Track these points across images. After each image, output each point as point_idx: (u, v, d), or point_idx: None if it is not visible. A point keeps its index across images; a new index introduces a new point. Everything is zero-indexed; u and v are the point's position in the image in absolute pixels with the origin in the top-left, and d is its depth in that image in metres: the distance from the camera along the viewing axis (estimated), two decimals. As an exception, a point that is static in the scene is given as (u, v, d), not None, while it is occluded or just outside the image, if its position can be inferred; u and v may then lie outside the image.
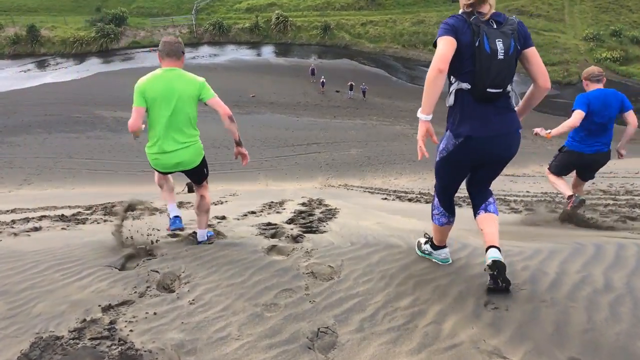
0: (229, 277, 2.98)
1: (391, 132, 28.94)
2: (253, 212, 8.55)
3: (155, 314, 2.51)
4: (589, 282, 2.84)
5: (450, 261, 3.12)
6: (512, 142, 2.59)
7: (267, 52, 42.92)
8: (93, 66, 38.85)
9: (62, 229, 5.28)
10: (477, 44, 2.32)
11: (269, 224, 5.37)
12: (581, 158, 4.92)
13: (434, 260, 3.15)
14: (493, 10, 2.37)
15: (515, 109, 2.68)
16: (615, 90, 4.77)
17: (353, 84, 33.12)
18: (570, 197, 4.86)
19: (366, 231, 4.31)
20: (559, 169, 5.18)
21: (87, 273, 3.04)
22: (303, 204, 9.99)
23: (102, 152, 25.58)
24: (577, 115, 4.52)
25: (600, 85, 4.85)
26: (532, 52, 2.52)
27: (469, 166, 2.68)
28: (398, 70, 38.85)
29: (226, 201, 11.97)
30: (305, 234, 4.26)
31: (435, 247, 3.11)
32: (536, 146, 27.65)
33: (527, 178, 21.27)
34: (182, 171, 3.55)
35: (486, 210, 2.72)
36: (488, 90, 2.42)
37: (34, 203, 13.21)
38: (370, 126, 29.70)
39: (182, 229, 3.67)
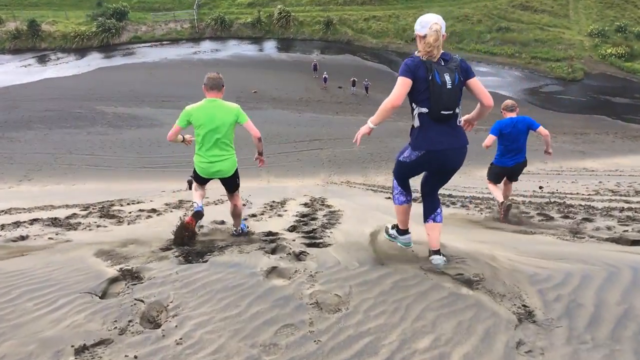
0: (223, 308, 2.62)
1: (394, 129, 28.47)
2: (254, 215, 8.21)
3: (135, 357, 2.16)
4: (632, 316, 2.48)
5: (412, 245, 3.58)
6: (461, 154, 3.15)
7: (269, 48, 42.41)
8: (94, 61, 38.42)
9: (50, 238, 4.92)
10: (430, 77, 2.93)
11: (270, 233, 5.01)
12: (505, 169, 6.33)
13: (398, 244, 3.62)
14: (441, 51, 2.97)
15: (465, 117, 3.31)
16: (524, 116, 6.08)
17: (356, 80, 32.64)
18: (501, 203, 6.13)
19: (373, 244, 3.94)
20: (493, 179, 6.50)
21: (64, 302, 2.68)
22: (305, 204, 9.65)
23: (103, 148, 25.24)
24: (489, 139, 5.89)
25: (513, 114, 6.14)
26: (474, 82, 3.08)
27: (424, 170, 3.30)
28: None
29: (227, 200, 11.62)
30: (308, 249, 3.89)
31: (400, 232, 3.59)
32: (540, 143, 27.07)
33: (531, 176, 20.88)
34: (219, 178, 4.32)
35: (434, 220, 3.34)
36: (442, 112, 2.99)
37: (32, 201, 12.89)
38: (372, 123, 29.22)
39: (200, 212, 4.15)
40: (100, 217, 7.87)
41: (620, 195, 10.68)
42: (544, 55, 39.06)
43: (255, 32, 44.08)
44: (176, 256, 3.57)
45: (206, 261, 3.45)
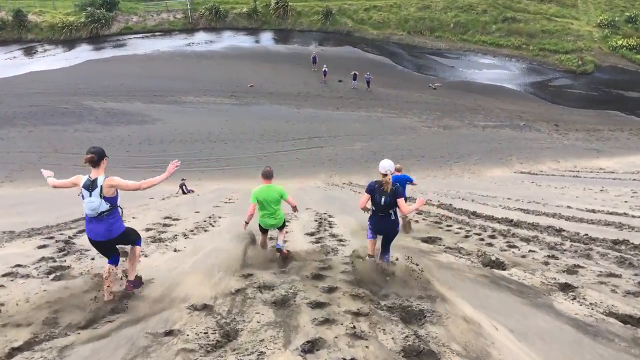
0: None
1: (397, 125, 27.43)
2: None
3: None
4: None
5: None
6: (394, 230, 5.46)
7: (266, 39, 41.14)
8: (83, 53, 37.08)
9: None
10: (375, 196, 5.23)
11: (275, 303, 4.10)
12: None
13: None
14: (389, 178, 5.16)
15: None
16: (404, 174, 8.46)
17: (357, 73, 31.48)
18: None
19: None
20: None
21: None
22: (312, 234, 8.51)
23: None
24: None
25: (397, 173, 7.81)
26: (400, 201, 5.20)
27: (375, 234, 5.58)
28: (403, 58, 37.14)
29: (218, 218, 10.58)
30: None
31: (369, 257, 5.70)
32: (551, 140, 26.19)
33: (539, 177, 19.88)
34: (274, 227, 6.38)
35: (382, 259, 5.53)
36: (379, 214, 5.30)
37: (6, 213, 11.92)
38: (375, 119, 28.18)
39: (280, 249, 6.12)
40: (59, 251, 6.63)
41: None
42: (552, 47, 37.92)
43: (251, 22, 42.76)
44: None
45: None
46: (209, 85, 31.40)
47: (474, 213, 10.01)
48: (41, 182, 21.09)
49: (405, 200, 6.33)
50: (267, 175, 6.11)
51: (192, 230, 8.32)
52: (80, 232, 8.29)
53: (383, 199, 5.05)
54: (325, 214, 10.54)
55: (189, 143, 24.70)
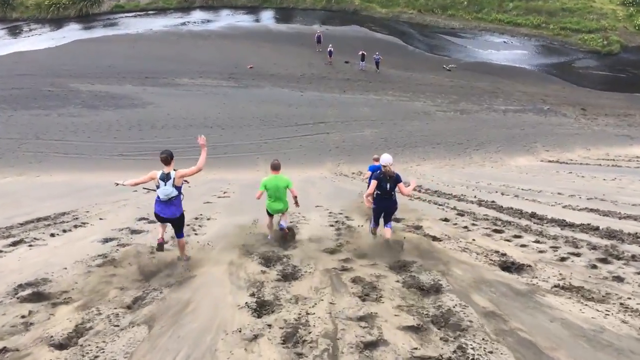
0: None
1: (410, 109, 25.46)
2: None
3: None
4: None
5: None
6: (394, 207, 6.56)
7: (267, 18, 39.03)
8: (70, 32, 35.00)
9: None
10: (381, 182, 6.27)
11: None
12: (379, 209, 6.91)
13: None
14: (390, 168, 6.20)
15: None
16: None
17: (364, 53, 29.38)
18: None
19: None
20: (375, 218, 7.13)
21: None
22: (332, 251, 7.01)
23: (75, 132, 22.28)
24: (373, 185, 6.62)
25: (376, 163, 8.91)
26: (400, 186, 6.28)
27: (380, 212, 6.68)
28: (414, 38, 34.94)
29: (207, 220, 8.79)
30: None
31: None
32: (579, 126, 24.19)
33: (572, 166, 17.96)
34: (280, 212, 7.15)
35: (385, 226, 6.62)
36: (384, 196, 6.36)
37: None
38: (385, 102, 26.19)
39: (283, 228, 7.03)
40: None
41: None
42: (574, 26, 35.64)
43: (251, 0, 40.53)
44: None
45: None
46: (206, 66, 29.39)
47: (534, 215, 8.22)
48: (19, 171, 19.43)
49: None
50: (276, 167, 6.89)
51: (167, 242, 6.48)
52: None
53: (388, 185, 6.18)
54: (341, 214, 8.72)
55: (182, 128, 22.83)
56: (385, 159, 6.20)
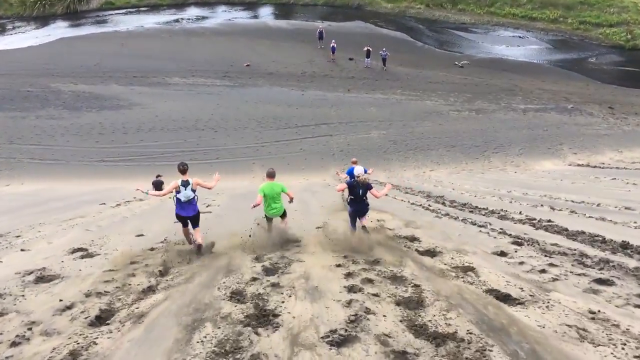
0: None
1: (421, 109, 23.70)
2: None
3: None
4: None
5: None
6: (366, 209, 7.37)
7: (265, 14, 37.53)
8: (56, 30, 33.52)
9: None
10: (355, 189, 7.21)
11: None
12: (355, 212, 7.65)
13: None
14: (362, 178, 7.20)
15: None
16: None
17: (370, 49, 27.67)
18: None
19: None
20: (351, 221, 7.82)
21: None
22: (339, 341, 4.60)
23: (54, 136, 20.65)
24: (342, 186, 7.66)
25: (353, 165, 9.26)
26: (372, 191, 7.18)
27: (355, 215, 7.50)
28: (423, 34, 33.22)
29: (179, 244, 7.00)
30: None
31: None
32: (608, 126, 22.36)
33: (609, 170, 16.08)
34: (276, 215, 7.74)
35: (360, 220, 7.44)
36: (357, 201, 7.25)
37: None
38: (393, 102, 24.44)
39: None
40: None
41: None
42: (594, 19, 33.87)
43: (248, -4, 39.05)
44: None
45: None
46: (199, 65, 27.78)
47: (628, 246, 5.94)
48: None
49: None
50: (271, 175, 7.57)
51: (85, 314, 4.55)
52: None
53: (360, 191, 7.14)
54: (360, 267, 6.43)
55: (171, 131, 21.19)
56: (358, 171, 7.31)
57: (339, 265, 5.89)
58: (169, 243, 7.48)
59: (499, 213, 8.29)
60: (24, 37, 32.21)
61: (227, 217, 9.73)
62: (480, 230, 7.35)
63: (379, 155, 20.29)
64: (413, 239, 7.29)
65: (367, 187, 7.10)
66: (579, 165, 18.71)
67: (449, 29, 34.49)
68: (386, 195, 8.01)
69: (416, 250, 6.60)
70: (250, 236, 7.37)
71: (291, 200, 7.59)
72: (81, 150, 19.87)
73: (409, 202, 11.09)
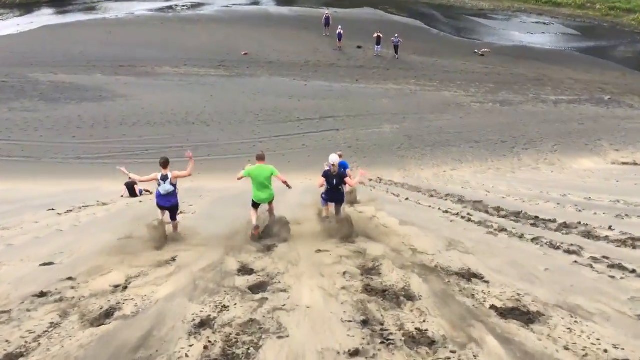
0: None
1: (438, 101, 21.58)
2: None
3: None
4: None
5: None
6: (342, 199, 7.60)
7: (266, 0, 35.45)
8: (40, 18, 31.74)
9: None
10: (330, 179, 7.43)
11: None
12: (330, 201, 8.02)
13: None
14: (336, 167, 7.37)
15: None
16: (343, 161, 8.81)
17: (381, 35, 25.59)
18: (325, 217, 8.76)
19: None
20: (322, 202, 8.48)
21: None
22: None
23: (26, 130, 18.76)
24: (321, 181, 7.73)
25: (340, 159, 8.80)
26: (347, 180, 7.44)
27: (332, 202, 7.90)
28: (438, 21, 31.10)
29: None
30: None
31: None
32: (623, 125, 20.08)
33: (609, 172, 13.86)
34: (265, 202, 7.33)
35: (337, 215, 7.70)
36: (333, 190, 7.48)
37: None
38: (408, 92, 22.34)
39: (257, 226, 7.09)
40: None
41: None
42: (625, 5, 31.74)
43: (249, -18, 36.99)
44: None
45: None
46: (192, 53, 25.81)
47: None
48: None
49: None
50: (261, 157, 7.26)
51: None
52: None
53: (335, 181, 7.32)
54: (376, 311, 4.05)
55: (158, 125, 19.25)
56: (332, 159, 7.33)
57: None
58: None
59: (577, 228, 6.06)
60: (5, 25, 30.43)
61: (201, 228, 7.77)
62: (575, 261, 4.61)
63: (393, 152, 18.23)
64: (471, 275, 4.58)
65: (341, 176, 7.38)
66: (623, 163, 16.56)
67: (466, 15, 32.32)
68: (361, 183, 8.80)
69: (492, 308, 3.73)
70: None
71: (286, 185, 7.16)
72: (56, 146, 17.95)
73: (438, 208, 8.98)
